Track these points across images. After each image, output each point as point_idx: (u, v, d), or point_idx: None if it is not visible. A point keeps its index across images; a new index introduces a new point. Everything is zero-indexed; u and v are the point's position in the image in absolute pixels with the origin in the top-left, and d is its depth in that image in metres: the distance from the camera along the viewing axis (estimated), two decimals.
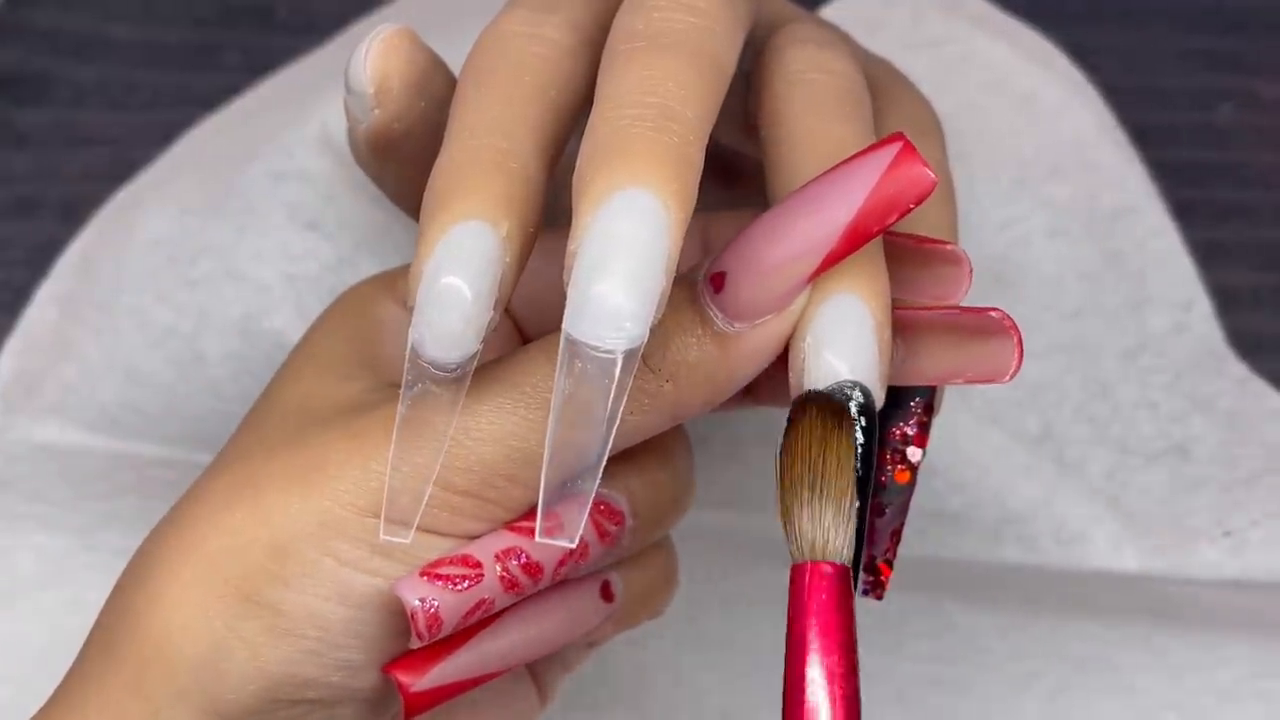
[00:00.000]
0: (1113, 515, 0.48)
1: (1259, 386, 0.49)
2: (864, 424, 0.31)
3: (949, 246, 0.34)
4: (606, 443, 0.30)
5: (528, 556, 0.34)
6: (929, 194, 0.31)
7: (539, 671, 0.40)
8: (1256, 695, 0.46)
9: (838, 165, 0.32)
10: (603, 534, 0.35)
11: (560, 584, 0.36)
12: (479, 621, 0.35)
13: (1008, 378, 0.33)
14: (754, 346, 0.33)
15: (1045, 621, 0.49)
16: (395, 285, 0.39)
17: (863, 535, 0.36)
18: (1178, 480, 0.48)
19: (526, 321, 0.39)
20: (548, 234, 0.34)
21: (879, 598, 0.37)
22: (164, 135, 0.54)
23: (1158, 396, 0.49)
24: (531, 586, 0.34)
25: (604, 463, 0.30)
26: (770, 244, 0.32)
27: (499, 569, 0.34)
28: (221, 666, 0.34)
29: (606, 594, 0.37)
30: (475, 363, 0.31)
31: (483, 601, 0.34)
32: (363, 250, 0.49)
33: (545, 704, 0.41)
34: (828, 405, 0.31)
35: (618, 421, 0.30)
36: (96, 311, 0.50)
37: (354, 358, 0.37)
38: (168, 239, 0.50)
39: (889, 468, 0.37)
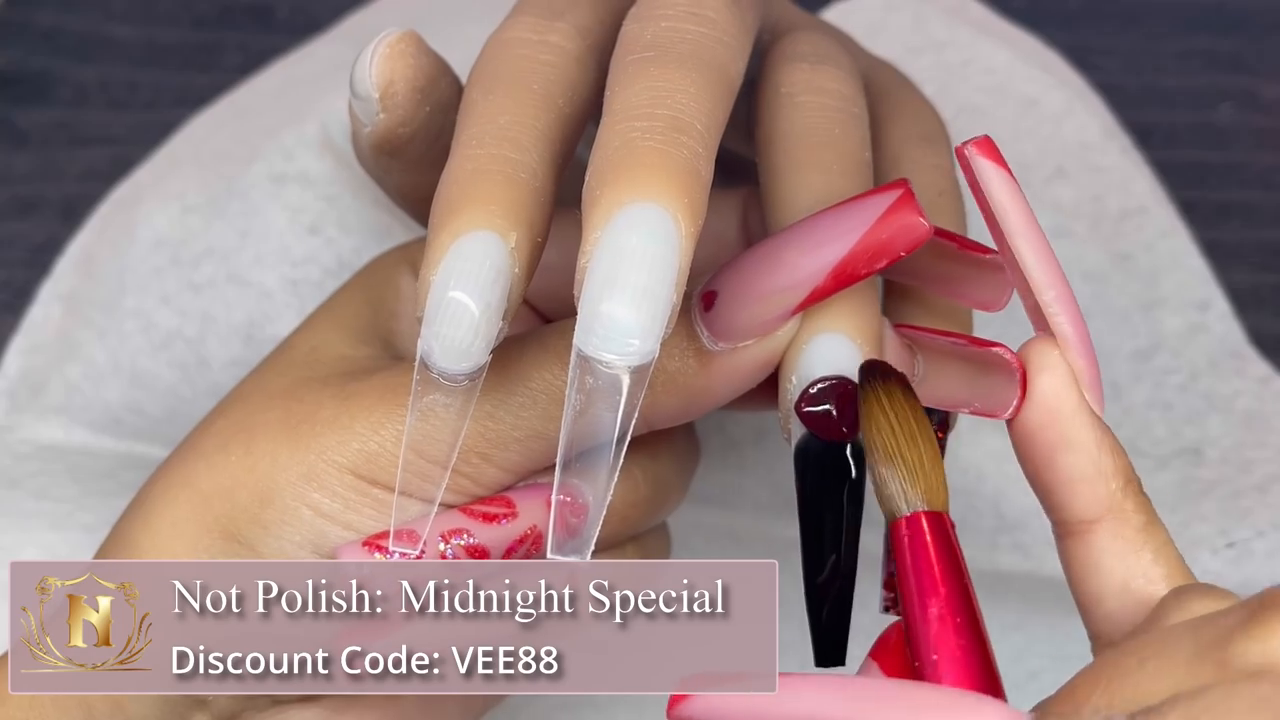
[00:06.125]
0: None
1: None
2: (855, 464, 0.32)
3: (989, 254, 0.34)
4: (618, 458, 0.30)
5: (473, 539, 0.35)
6: (922, 243, 0.32)
7: None
8: None
9: (838, 204, 0.32)
10: (562, 526, 0.35)
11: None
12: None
13: (1006, 414, 0.33)
14: (732, 367, 0.33)
15: (1044, 622, 0.49)
16: (414, 258, 0.39)
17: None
18: (1188, 484, 0.48)
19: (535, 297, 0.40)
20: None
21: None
22: (164, 135, 0.54)
23: (1172, 397, 0.48)
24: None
25: (615, 477, 0.30)
26: (762, 272, 0.32)
27: (442, 548, 0.35)
28: None
29: None
30: (484, 373, 0.31)
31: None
32: (364, 254, 0.48)
33: None
34: (880, 382, 0.31)
35: (629, 436, 0.30)
36: (100, 312, 0.50)
37: (368, 323, 0.38)
38: (170, 239, 0.50)
39: None
